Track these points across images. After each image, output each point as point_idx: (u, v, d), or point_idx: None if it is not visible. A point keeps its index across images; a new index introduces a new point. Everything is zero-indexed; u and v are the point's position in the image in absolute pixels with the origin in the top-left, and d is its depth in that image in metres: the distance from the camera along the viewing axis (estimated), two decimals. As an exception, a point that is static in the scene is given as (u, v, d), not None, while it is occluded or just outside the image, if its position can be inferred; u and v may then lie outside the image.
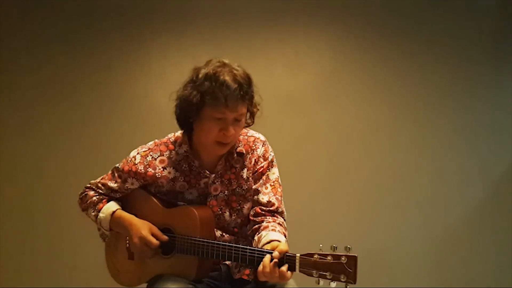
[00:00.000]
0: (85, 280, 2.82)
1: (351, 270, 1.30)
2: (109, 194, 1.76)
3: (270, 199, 1.69)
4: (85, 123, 2.97)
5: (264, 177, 1.72)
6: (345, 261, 1.30)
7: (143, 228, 1.63)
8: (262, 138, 1.77)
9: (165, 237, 1.63)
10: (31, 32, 2.98)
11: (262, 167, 1.72)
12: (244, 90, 1.53)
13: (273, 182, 1.73)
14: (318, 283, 1.35)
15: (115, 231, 1.75)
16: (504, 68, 2.96)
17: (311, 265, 1.34)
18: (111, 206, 1.73)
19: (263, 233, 1.59)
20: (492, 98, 2.97)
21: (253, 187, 1.71)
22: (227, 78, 1.50)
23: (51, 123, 2.97)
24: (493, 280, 2.85)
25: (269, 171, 1.74)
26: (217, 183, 1.69)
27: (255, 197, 1.71)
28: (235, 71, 1.53)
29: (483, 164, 2.95)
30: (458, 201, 2.94)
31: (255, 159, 1.72)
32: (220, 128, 1.56)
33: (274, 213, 1.70)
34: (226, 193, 1.69)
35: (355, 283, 1.31)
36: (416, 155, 2.97)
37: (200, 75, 1.53)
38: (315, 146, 2.98)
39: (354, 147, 2.98)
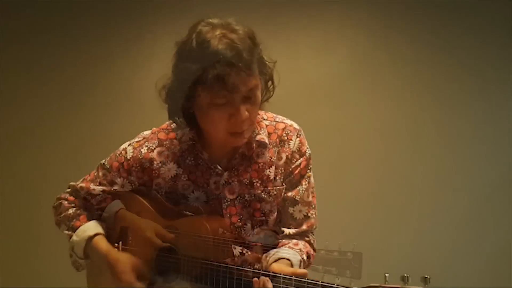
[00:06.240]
0: (86, 280, 2.80)
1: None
2: (90, 201, 1.39)
3: (310, 217, 1.32)
4: (86, 122, 2.98)
5: (303, 182, 1.31)
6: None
7: (124, 271, 1.26)
8: (296, 126, 1.33)
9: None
10: (30, 31, 2.99)
11: (299, 166, 1.31)
12: (247, 58, 1.11)
13: (313, 188, 1.35)
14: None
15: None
16: (505, 68, 2.97)
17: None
18: (89, 229, 1.35)
19: (272, 251, 1.29)
20: (492, 99, 2.98)
21: (289, 194, 1.31)
22: (220, 46, 1.11)
23: (51, 123, 2.98)
24: (493, 280, 2.85)
25: (308, 172, 1.33)
26: (233, 183, 1.28)
27: (290, 209, 1.31)
28: (232, 35, 1.15)
29: (483, 164, 2.96)
30: (458, 201, 2.95)
31: (287, 155, 1.30)
32: (229, 114, 1.17)
33: (308, 233, 1.36)
34: (246, 197, 1.28)
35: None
36: (415, 154, 2.98)
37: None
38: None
39: (357, 145, 2.92)
